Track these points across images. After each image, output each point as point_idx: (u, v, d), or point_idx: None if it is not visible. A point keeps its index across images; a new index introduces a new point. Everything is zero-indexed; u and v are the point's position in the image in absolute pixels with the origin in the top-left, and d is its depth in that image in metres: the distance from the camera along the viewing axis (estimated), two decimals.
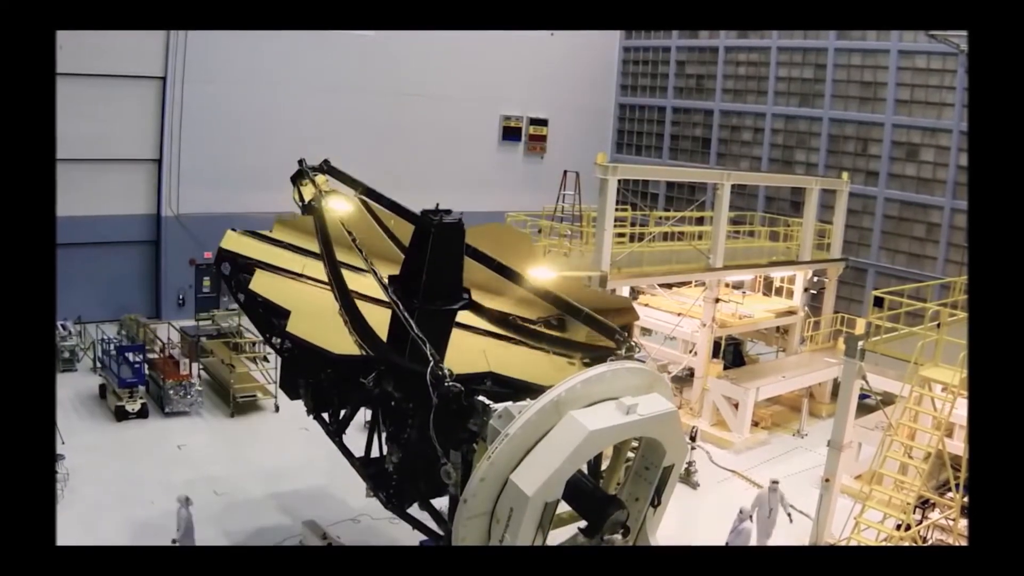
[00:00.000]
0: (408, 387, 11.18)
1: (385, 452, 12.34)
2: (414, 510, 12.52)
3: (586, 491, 10.89)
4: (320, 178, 13.48)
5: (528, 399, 10.34)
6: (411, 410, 11.37)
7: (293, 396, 14.13)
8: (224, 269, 14.43)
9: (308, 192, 13.16)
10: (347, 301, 11.80)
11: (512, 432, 9.72)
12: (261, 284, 13.58)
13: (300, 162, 13.59)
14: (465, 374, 10.77)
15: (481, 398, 10.48)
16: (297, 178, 13.47)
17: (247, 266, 14.23)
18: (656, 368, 12.11)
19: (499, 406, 10.25)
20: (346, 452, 13.24)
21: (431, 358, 10.39)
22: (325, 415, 13.64)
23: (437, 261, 12.15)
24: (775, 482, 17.20)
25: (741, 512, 16.39)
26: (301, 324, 12.27)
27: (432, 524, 12.22)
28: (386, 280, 12.17)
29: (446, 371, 10.31)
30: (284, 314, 12.46)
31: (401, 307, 11.24)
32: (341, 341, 11.76)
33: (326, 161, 13.95)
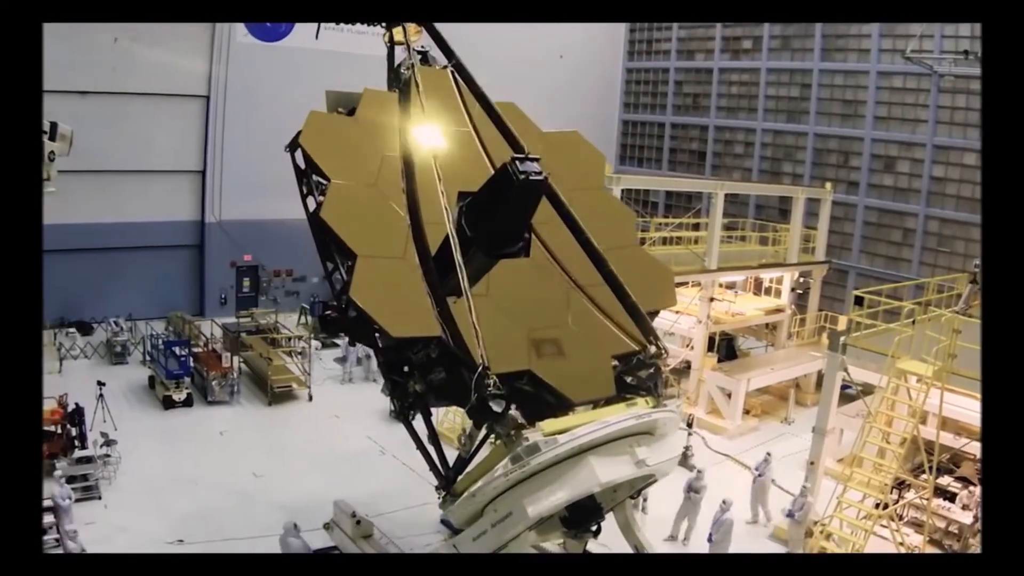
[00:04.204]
0: (451, 365, 10.73)
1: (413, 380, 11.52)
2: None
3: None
4: (412, 27, 11.73)
5: (552, 424, 10.29)
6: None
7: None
8: (297, 160, 12.48)
9: (399, 36, 11.72)
10: (422, 247, 10.47)
11: (533, 463, 9.69)
12: (333, 209, 11.35)
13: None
14: (504, 372, 10.28)
15: (515, 414, 10.09)
16: (390, 24, 12.07)
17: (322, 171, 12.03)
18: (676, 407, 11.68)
19: (530, 435, 10.07)
20: (376, 347, 12.27)
21: (481, 360, 9.78)
22: None
23: (510, 211, 10.64)
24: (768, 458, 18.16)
25: (724, 503, 15.83)
26: (366, 275, 10.73)
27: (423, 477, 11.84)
28: (456, 203, 10.71)
29: (492, 379, 9.77)
30: (351, 255, 10.99)
31: (457, 243, 10.15)
32: (407, 309, 10.62)
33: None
